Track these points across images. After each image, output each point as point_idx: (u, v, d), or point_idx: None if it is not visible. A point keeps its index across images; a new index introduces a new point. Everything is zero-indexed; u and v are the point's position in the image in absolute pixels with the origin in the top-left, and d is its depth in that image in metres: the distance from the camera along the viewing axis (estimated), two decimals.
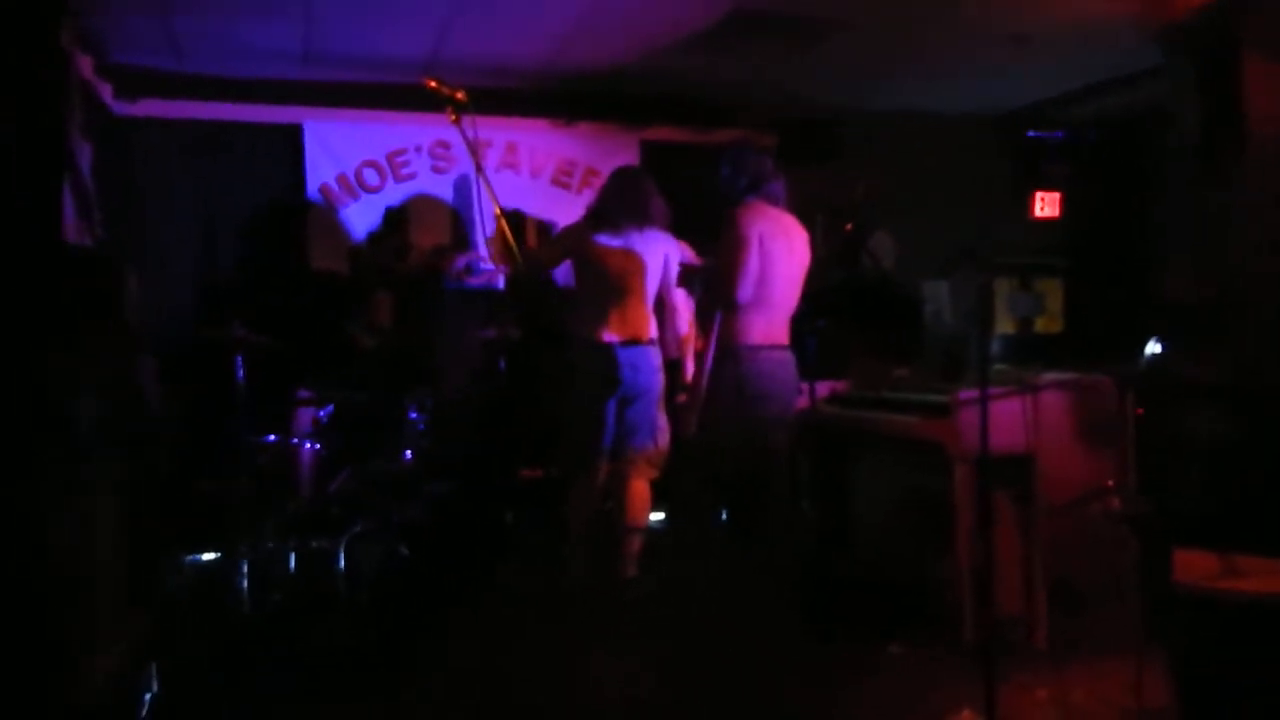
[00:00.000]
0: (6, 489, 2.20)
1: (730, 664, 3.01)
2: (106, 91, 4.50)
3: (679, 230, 4.14)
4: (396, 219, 5.18)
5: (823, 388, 3.85)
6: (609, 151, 5.49)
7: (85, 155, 3.89)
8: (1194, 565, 2.62)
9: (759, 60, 4.76)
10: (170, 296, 4.74)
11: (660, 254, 4.00)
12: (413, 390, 4.25)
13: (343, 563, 3.83)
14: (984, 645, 2.58)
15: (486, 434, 4.64)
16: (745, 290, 3.29)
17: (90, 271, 3.01)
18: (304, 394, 4.20)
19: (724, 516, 3.69)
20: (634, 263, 3.92)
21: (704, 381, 3.36)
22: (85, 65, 4.04)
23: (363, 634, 3.55)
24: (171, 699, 2.93)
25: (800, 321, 3.53)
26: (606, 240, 3.93)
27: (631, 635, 3.27)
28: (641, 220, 3.93)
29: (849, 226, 5.46)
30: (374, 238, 5.16)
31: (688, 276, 3.85)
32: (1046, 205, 5.18)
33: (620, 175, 4.13)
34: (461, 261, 5.22)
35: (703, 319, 3.50)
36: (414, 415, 4.19)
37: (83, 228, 3.58)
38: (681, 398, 3.86)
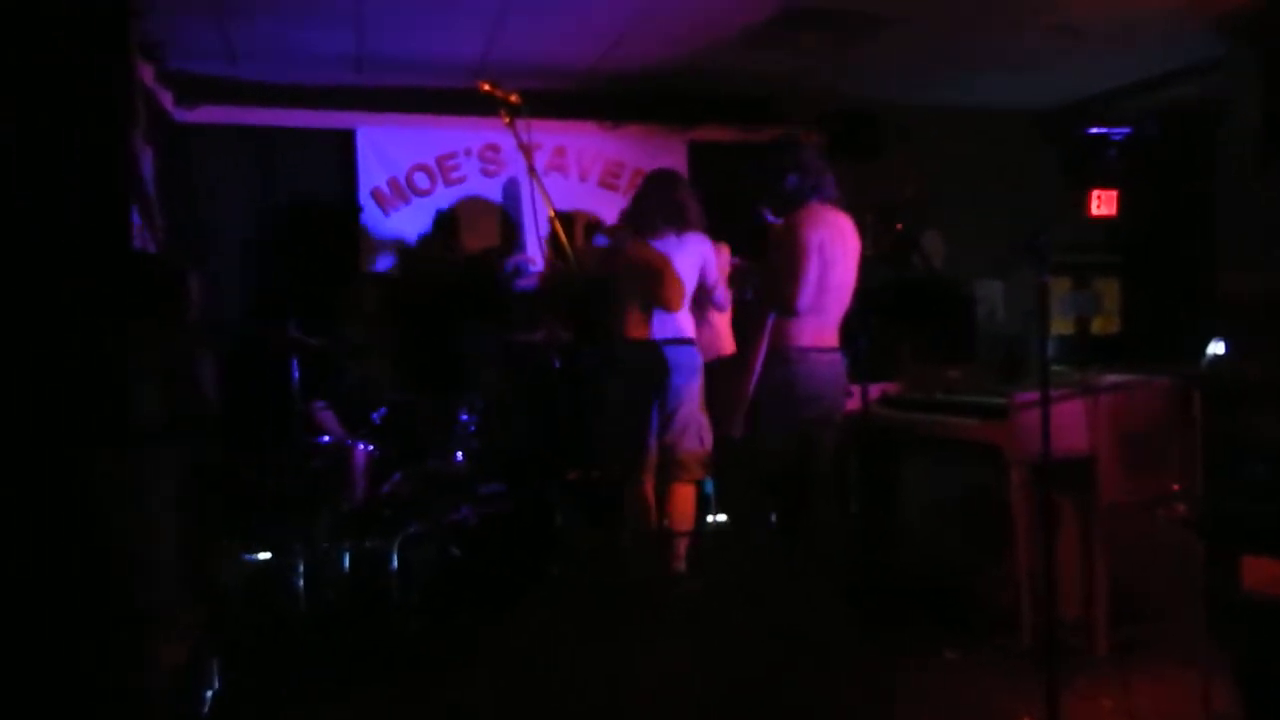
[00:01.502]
0: (69, 481, 2.25)
1: (782, 667, 2.99)
2: (167, 99, 4.60)
3: (728, 230, 4.13)
4: (446, 222, 5.23)
5: (873, 389, 3.81)
6: (656, 153, 5.50)
7: (147, 160, 3.98)
8: (1262, 571, 2.54)
9: (807, 56, 4.73)
10: (226, 298, 4.84)
11: (698, 256, 4.00)
12: (459, 392, 4.28)
13: (395, 563, 3.86)
14: (1044, 651, 2.53)
15: (536, 435, 4.66)
16: (805, 298, 3.26)
17: (154, 274, 3.08)
18: (319, 404, 4.23)
19: (773, 518, 3.66)
20: (672, 265, 3.92)
21: (751, 384, 3.34)
22: (147, 73, 4.14)
23: (416, 633, 3.58)
24: (232, 695, 2.98)
25: (851, 323, 3.50)
26: (646, 242, 3.93)
27: (683, 637, 3.26)
28: (680, 224, 3.93)
29: (899, 226, 5.41)
30: (424, 241, 5.22)
31: (739, 278, 3.83)
32: (1103, 203, 5.07)
33: (657, 179, 4.14)
34: (510, 264, 5.25)
35: (754, 323, 3.47)
36: (464, 417, 4.22)
37: (145, 232, 3.66)
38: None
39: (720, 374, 4.00)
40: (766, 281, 3.42)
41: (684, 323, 3.96)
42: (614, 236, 4.06)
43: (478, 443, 4.23)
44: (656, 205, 3.96)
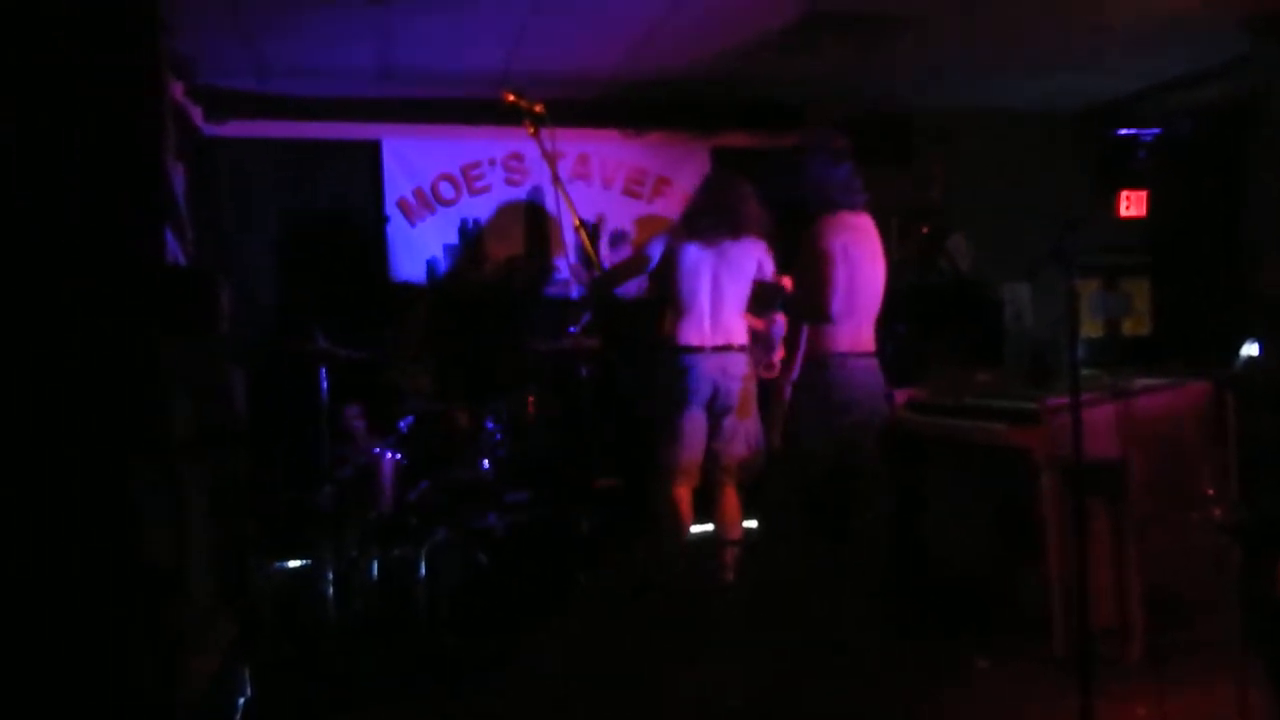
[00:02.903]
0: (104, 493, 2.29)
1: (818, 675, 2.97)
2: (197, 114, 4.68)
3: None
4: (472, 231, 5.27)
5: (900, 394, 3.79)
6: (680, 160, 5.51)
7: (178, 176, 4.04)
8: None
9: (832, 61, 4.72)
10: (255, 310, 4.89)
11: (753, 261, 3.96)
12: (486, 401, 4.30)
13: (424, 571, 3.88)
14: (1077, 658, 2.50)
15: (565, 443, 4.67)
16: (837, 304, 3.25)
17: (185, 288, 3.12)
18: (352, 411, 4.26)
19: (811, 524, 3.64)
20: (725, 270, 3.89)
21: (787, 394, 3.33)
22: (177, 89, 4.20)
23: (444, 641, 3.60)
24: (263, 703, 3.01)
25: (879, 327, 3.48)
26: (698, 247, 3.89)
27: (718, 643, 3.26)
28: (734, 228, 3.89)
29: (925, 229, 5.38)
30: (450, 251, 5.25)
31: (767, 297, 3.80)
32: (1132, 204, 5.02)
33: (713, 181, 4.09)
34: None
35: (789, 339, 3.46)
36: (490, 425, 4.24)
37: (177, 246, 3.70)
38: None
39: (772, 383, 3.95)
40: (797, 293, 3.40)
41: (735, 329, 3.93)
42: (666, 241, 3.99)
43: (504, 451, 4.25)
44: (710, 208, 3.91)
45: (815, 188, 3.36)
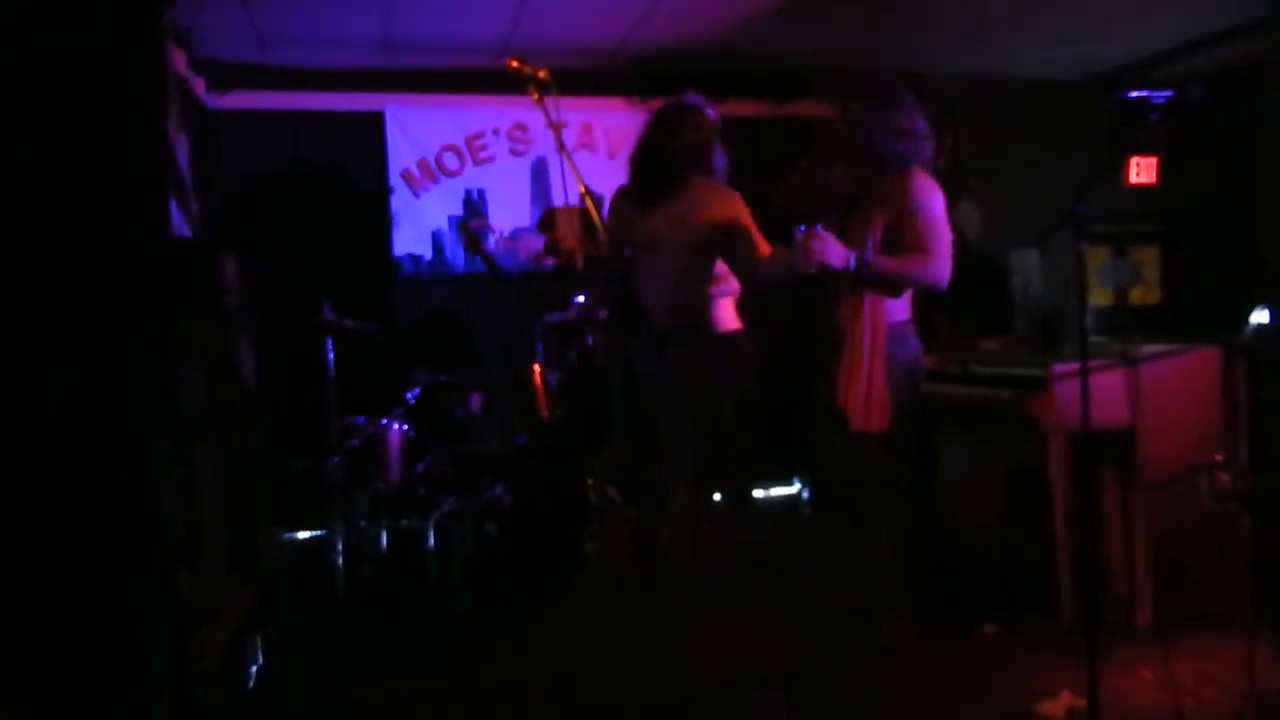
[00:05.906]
0: (117, 466, 2.30)
1: (821, 641, 2.99)
2: (199, 85, 4.65)
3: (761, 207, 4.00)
4: (477, 203, 5.25)
5: None
6: None
7: (182, 148, 4.02)
8: None
9: (838, 27, 4.66)
10: (259, 282, 4.88)
11: None
12: (492, 371, 4.31)
13: (432, 541, 3.91)
14: (1085, 624, 2.51)
15: (570, 414, 4.67)
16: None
17: (191, 261, 3.12)
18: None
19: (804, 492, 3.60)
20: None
21: (880, 366, 2.93)
22: (179, 60, 4.17)
23: (454, 610, 3.63)
24: (275, 671, 3.04)
25: None
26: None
27: (721, 610, 3.26)
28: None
29: None
30: (456, 222, 5.24)
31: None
32: (1142, 171, 4.96)
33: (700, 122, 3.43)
34: (538, 243, 5.25)
35: (872, 309, 3.01)
36: (498, 396, 4.25)
37: (181, 218, 3.69)
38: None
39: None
40: (908, 260, 2.96)
41: None
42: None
43: (511, 421, 4.26)
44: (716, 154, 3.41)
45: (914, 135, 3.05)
